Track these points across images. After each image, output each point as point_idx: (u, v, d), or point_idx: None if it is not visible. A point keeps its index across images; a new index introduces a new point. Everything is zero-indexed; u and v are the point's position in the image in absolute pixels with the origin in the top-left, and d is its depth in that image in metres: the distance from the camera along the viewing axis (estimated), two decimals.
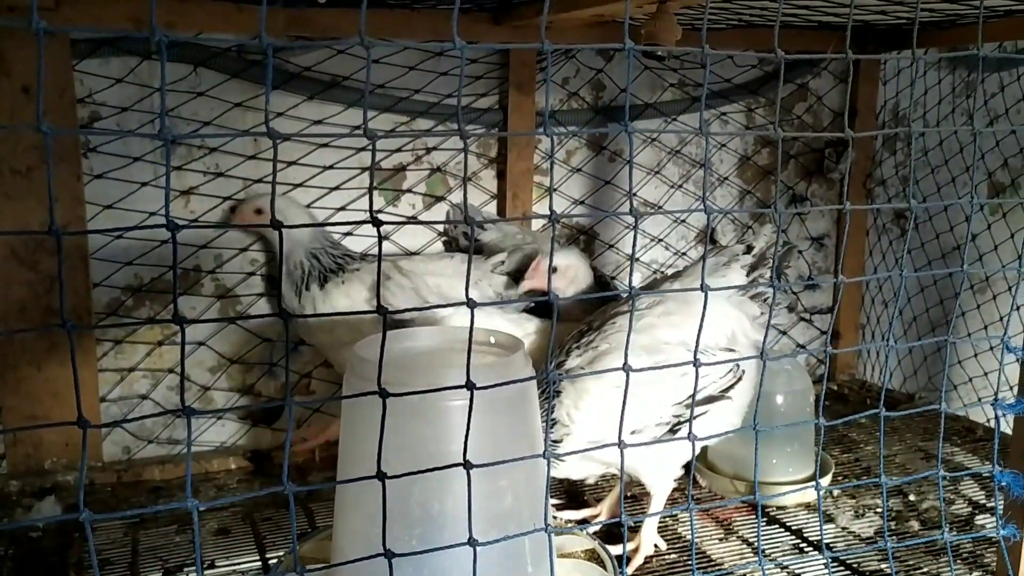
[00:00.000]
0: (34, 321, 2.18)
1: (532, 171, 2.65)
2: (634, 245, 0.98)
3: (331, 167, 2.46)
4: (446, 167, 2.60)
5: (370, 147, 2.45)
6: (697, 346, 1.14)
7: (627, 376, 1.08)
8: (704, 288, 1.09)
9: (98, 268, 2.28)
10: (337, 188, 2.47)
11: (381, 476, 0.97)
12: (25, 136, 2.11)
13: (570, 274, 2.24)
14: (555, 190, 2.68)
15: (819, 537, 2.04)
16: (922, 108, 2.91)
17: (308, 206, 2.42)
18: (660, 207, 2.85)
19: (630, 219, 2.76)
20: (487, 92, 2.60)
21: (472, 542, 1.03)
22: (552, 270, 2.14)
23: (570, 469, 1.84)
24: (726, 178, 2.94)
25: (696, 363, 1.11)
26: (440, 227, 2.61)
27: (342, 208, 2.47)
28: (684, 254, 2.91)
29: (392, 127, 2.52)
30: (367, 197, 2.51)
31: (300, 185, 2.42)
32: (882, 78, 3.00)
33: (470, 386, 1.01)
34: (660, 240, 2.88)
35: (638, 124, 2.77)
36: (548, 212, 1.02)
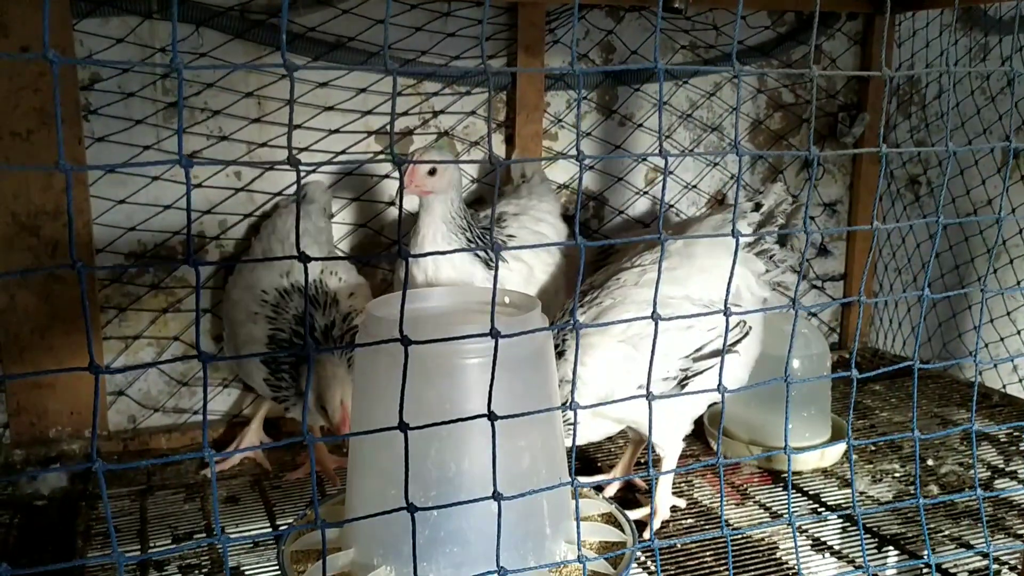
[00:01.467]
0: (37, 288, 2.15)
1: (541, 135, 2.60)
2: (664, 187, 0.94)
3: (336, 131, 2.41)
4: (453, 131, 2.55)
5: (375, 111, 2.43)
6: (728, 295, 1.10)
7: (656, 325, 1.04)
8: (736, 234, 1.05)
9: (101, 234, 2.24)
10: (344, 152, 2.42)
11: (403, 427, 0.94)
12: (24, 99, 2.06)
13: (449, 175, 1.97)
14: (578, 146, 2.63)
15: (836, 501, 2.01)
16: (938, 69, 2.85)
17: (311, 172, 2.37)
18: (672, 172, 2.80)
19: (641, 184, 2.73)
20: (495, 54, 2.54)
21: (496, 496, 0.99)
22: (431, 172, 1.93)
23: (586, 431, 1.81)
24: (737, 143, 2.89)
25: (727, 312, 1.07)
26: None
27: (348, 174, 2.43)
28: None
29: (400, 91, 2.46)
30: (372, 163, 2.46)
31: (305, 149, 2.38)
32: (897, 40, 2.94)
33: (495, 334, 0.97)
34: (672, 207, 2.83)
35: (648, 87, 2.71)
36: (576, 154, 0.98)
